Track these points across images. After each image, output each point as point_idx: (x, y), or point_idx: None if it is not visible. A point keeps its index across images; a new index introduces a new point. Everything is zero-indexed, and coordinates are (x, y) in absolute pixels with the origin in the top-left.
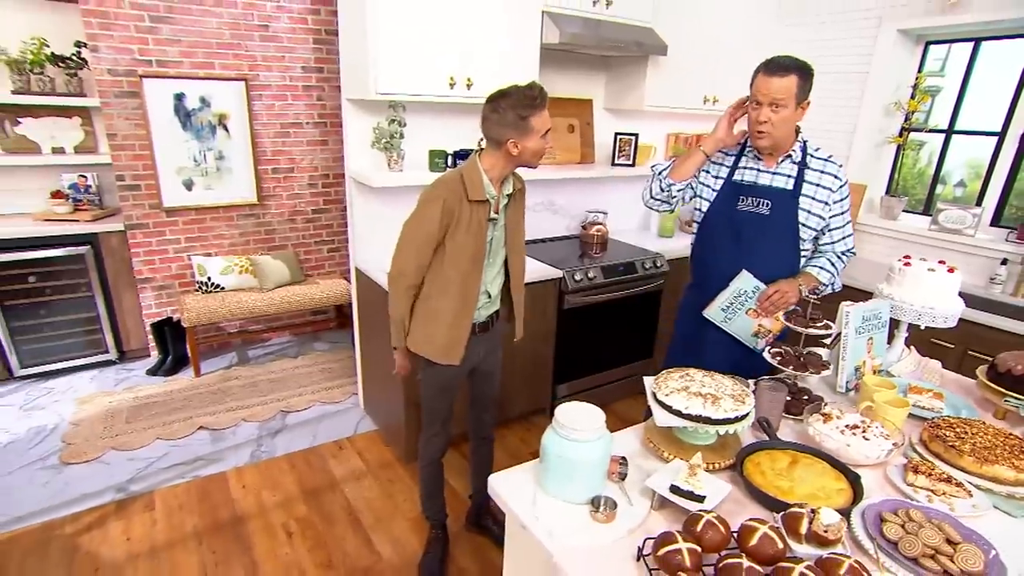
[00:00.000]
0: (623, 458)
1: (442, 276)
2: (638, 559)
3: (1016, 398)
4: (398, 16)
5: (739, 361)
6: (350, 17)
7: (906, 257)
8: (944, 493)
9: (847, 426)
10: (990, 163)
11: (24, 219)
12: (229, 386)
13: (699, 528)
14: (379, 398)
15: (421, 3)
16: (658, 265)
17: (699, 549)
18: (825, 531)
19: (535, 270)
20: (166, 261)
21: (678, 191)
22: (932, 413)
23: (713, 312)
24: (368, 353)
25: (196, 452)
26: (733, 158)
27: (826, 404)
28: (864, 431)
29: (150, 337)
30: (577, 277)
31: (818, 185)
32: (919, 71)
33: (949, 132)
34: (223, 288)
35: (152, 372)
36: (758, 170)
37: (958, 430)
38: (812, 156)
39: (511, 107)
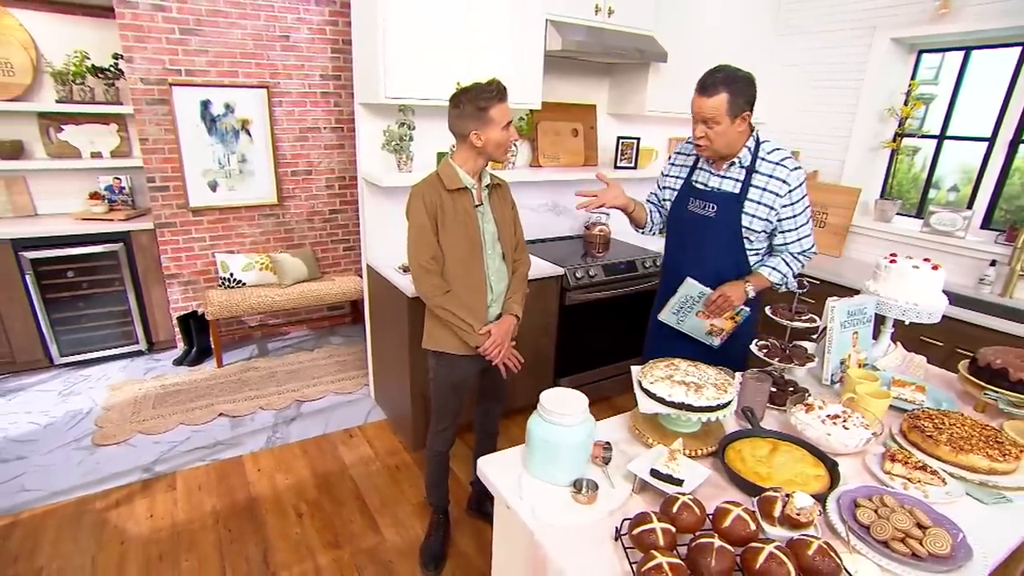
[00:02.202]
0: (607, 443)
1: (447, 273)
2: (615, 539)
3: (995, 391)
4: (407, 23)
5: (708, 347)
6: (362, 25)
7: (892, 255)
8: (919, 481)
9: (828, 416)
10: (980, 167)
11: (65, 219)
12: (248, 376)
13: (675, 509)
14: (389, 389)
15: (430, 11)
16: (658, 264)
17: (673, 529)
18: (798, 514)
19: (537, 268)
20: (192, 258)
21: (649, 231)
22: (913, 405)
23: (666, 316)
24: (379, 346)
25: (216, 437)
26: (693, 159)
27: (810, 395)
28: (845, 421)
29: (176, 330)
30: (578, 275)
31: (764, 189)
32: (912, 78)
33: (941, 137)
34: (244, 284)
35: (178, 362)
36: (710, 173)
37: (936, 421)
38: (763, 160)
39: (469, 100)
